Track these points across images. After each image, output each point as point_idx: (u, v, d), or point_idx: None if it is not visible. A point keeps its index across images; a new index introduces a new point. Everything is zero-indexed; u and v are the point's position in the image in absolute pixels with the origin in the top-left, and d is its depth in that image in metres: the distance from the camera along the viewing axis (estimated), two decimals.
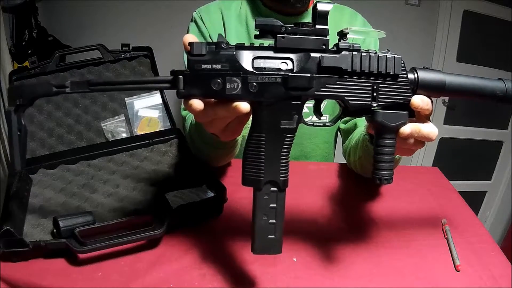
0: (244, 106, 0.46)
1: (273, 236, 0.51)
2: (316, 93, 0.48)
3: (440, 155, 2.27)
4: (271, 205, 0.50)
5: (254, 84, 0.46)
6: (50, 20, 1.97)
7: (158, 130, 0.91)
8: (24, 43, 1.82)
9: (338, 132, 1.03)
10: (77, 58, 0.91)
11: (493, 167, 2.36)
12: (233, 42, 0.49)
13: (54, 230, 0.60)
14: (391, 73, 0.49)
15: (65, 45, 1.92)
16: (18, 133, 0.49)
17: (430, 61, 2.07)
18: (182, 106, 0.84)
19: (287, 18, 0.89)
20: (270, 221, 0.50)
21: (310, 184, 0.82)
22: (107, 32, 1.92)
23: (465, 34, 2.06)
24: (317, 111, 0.53)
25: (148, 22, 1.96)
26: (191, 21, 0.95)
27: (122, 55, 0.93)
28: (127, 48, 0.93)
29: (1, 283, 0.53)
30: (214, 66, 0.46)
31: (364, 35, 0.52)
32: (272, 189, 0.50)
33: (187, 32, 0.94)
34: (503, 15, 2.03)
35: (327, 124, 0.54)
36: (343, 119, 0.96)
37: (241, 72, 0.46)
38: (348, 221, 0.72)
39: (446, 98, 2.14)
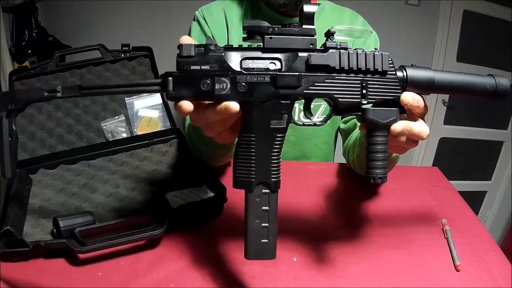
0: (233, 106, 0.46)
1: (266, 240, 0.50)
2: (305, 91, 0.48)
3: (440, 155, 2.27)
4: (264, 207, 0.50)
5: (243, 84, 0.47)
6: (50, 20, 1.97)
7: (158, 130, 0.91)
8: (24, 43, 1.82)
9: (338, 132, 1.04)
10: (77, 58, 0.91)
11: (493, 167, 2.36)
12: (235, 41, 0.49)
13: (54, 230, 0.60)
14: (379, 70, 0.50)
15: (65, 45, 1.93)
16: (9, 138, 0.49)
17: (430, 61, 2.07)
18: None
19: (290, 19, 0.89)
20: (263, 224, 0.50)
21: (310, 184, 0.82)
22: (107, 32, 1.92)
23: (465, 34, 2.06)
24: (307, 111, 0.53)
25: (148, 22, 1.96)
26: (194, 20, 0.95)
27: (122, 55, 0.93)
28: (127, 48, 0.93)
29: (1, 283, 0.53)
30: (203, 67, 0.46)
31: (350, 35, 0.52)
32: (264, 190, 0.49)
33: (189, 32, 0.95)
34: (503, 15, 2.03)
35: (317, 124, 0.54)
36: (343, 119, 0.96)
37: (229, 73, 0.46)
38: (348, 221, 0.72)
39: (446, 98, 2.14)
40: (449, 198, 0.82)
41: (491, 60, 2.08)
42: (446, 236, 0.68)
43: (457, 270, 0.61)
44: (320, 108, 0.93)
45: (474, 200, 2.33)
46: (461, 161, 2.30)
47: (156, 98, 0.93)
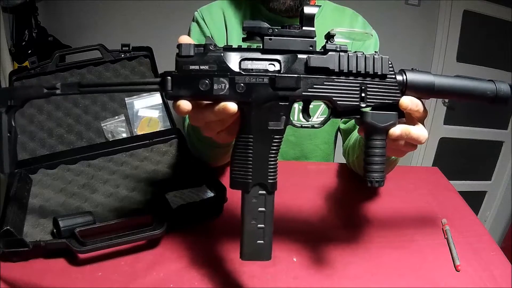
0: (231, 106, 0.46)
1: (262, 241, 0.50)
2: (303, 93, 0.48)
3: (440, 155, 2.28)
4: (260, 208, 0.50)
5: (242, 84, 0.47)
6: (50, 20, 1.97)
7: (158, 130, 0.91)
8: (24, 43, 1.82)
9: (338, 132, 1.04)
10: (77, 58, 0.91)
11: (493, 167, 2.36)
12: (234, 42, 0.49)
13: (54, 230, 0.60)
14: (378, 73, 0.49)
15: (65, 45, 1.93)
16: (8, 134, 0.49)
17: (430, 61, 2.07)
18: None
19: (289, 20, 0.89)
20: (259, 225, 0.50)
21: (310, 184, 0.82)
22: (107, 32, 1.92)
23: (465, 34, 2.06)
24: (305, 112, 0.53)
25: (148, 22, 1.96)
26: (193, 20, 0.95)
27: (122, 55, 0.93)
28: (127, 48, 0.93)
29: (1, 283, 0.53)
30: (201, 67, 0.46)
31: (350, 37, 0.52)
32: (260, 192, 0.49)
33: (189, 32, 0.95)
34: (503, 15, 2.03)
35: (315, 126, 0.54)
36: (343, 119, 0.96)
37: (228, 73, 0.46)
38: (348, 221, 0.72)
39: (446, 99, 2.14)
40: (449, 198, 0.82)
41: (491, 60, 2.08)
42: (446, 236, 0.68)
43: (457, 270, 0.61)
44: (320, 108, 0.93)
45: (474, 200, 2.33)
46: (461, 161, 2.30)
47: (156, 98, 0.93)
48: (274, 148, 0.49)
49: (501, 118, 2.26)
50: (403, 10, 2.02)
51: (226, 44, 0.48)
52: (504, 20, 2.03)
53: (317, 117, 0.93)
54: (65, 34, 1.97)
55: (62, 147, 0.85)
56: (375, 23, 0.99)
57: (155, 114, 0.93)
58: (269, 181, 0.49)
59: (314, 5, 0.49)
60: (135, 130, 0.91)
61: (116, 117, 0.91)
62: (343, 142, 0.97)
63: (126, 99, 0.92)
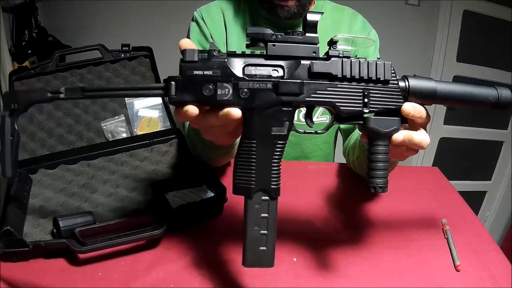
0: (235, 112, 0.46)
1: (264, 248, 0.50)
2: (306, 99, 0.49)
3: (440, 155, 2.28)
4: (263, 214, 0.49)
5: (245, 90, 0.47)
6: (50, 20, 1.97)
7: (158, 130, 0.91)
8: (24, 43, 1.82)
9: (338, 132, 1.04)
10: (77, 58, 0.91)
11: (493, 167, 2.36)
12: (233, 42, 0.49)
13: (54, 230, 0.60)
14: (381, 79, 0.50)
15: (65, 45, 1.93)
16: (11, 138, 0.49)
17: (430, 61, 2.07)
18: None
19: (291, 22, 0.89)
20: (262, 231, 0.49)
21: (310, 184, 0.82)
22: (107, 32, 1.92)
23: (465, 34, 2.06)
24: (309, 118, 0.53)
25: (148, 22, 1.96)
26: (192, 20, 0.95)
27: (122, 55, 0.93)
28: (127, 48, 0.93)
29: (1, 283, 0.53)
30: (205, 73, 0.46)
31: (353, 43, 0.52)
32: (263, 197, 0.49)
33: (188, 32, 0.94)
34: (503, 15, 2.03)
35: (318, 132, 0.54)
36: None
37: (232, 79, 0.47)
38: (348, 221, 0.72)
39: None
40: (449, 198, 0.82)
41: (491, 60, 2.08)
42: (446, 236, 0.68)
43: (457, 270, 0.61)
44: (319, 109, 0.93)
45: (474, 200, 2.33)
46: (461, 161, 2.30)
47: (156, 98, 0.93)
48: (277, 153, 0.49)
49: (501, 118, 2.26)
50: (403, 10, 2.02)
51: (225, 44, 0.48)
52: (504, 20, 2.03)
53: (317, 117, 0.93)
54: (65, 34, 1.97)
55: (62, 147, 0.85)
56: (375, 23, 0.99)
57: (155, 114, 0.93)
58: (272, 186, 0.49)
59: (317, 12, 0.49)
60: (135, 130, 0.91)
61: (116, 117, 0.91)
62: (343, 142, 0.97)
63: (126, 99, 0.92)
